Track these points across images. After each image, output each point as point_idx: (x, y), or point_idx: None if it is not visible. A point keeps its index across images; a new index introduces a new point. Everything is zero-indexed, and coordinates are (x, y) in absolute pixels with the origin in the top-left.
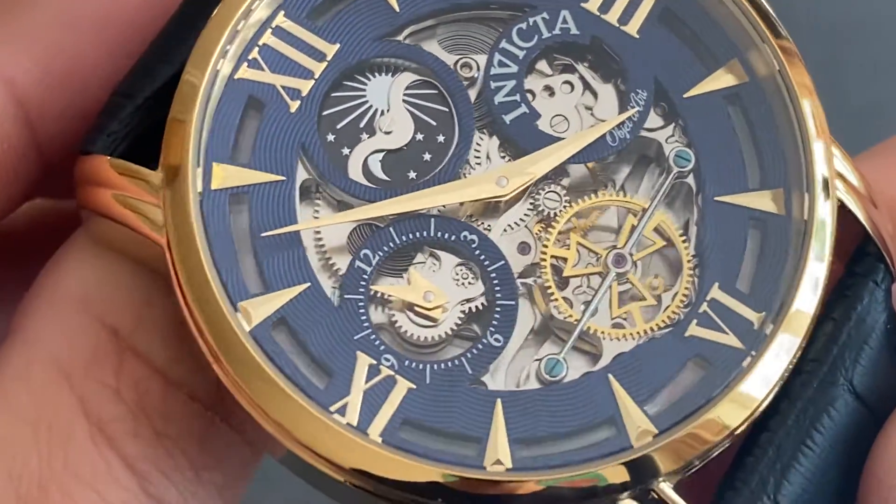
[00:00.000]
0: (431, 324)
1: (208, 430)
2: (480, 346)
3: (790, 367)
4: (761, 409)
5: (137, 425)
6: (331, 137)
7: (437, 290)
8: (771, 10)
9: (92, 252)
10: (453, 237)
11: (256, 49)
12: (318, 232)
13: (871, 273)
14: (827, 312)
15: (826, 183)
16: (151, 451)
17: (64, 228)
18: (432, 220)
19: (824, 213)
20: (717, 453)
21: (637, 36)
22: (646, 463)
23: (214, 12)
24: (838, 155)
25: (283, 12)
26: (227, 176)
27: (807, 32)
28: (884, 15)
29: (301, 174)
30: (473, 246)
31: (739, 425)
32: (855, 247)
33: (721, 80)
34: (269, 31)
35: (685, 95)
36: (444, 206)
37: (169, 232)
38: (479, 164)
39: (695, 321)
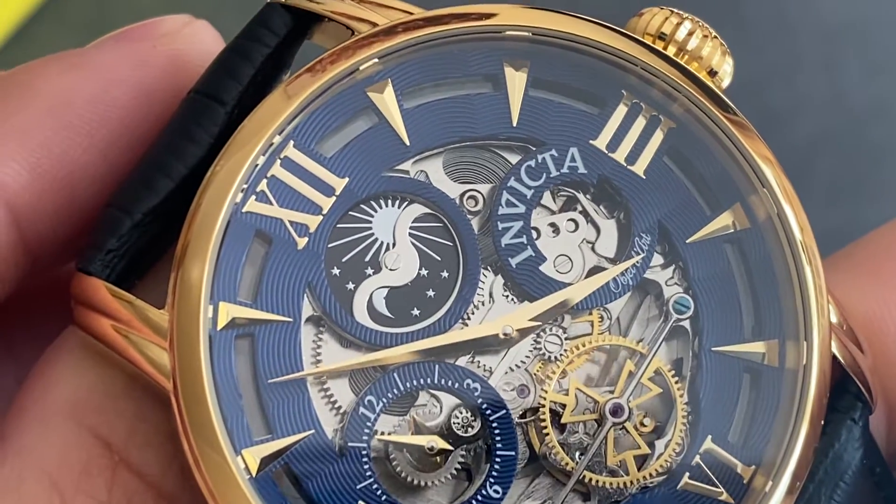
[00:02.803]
0: (430, 470)
1: None
2: (479, 498)
3: None
4: None
5: None
6: (336, 271)
7: (439, 440)
8: (769, 152)
9: (83, 359)
10: (456, 385)
11: (265, 181)
12: (323, 377)
13: (850, 410)
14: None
15: (824, 335)
16: None
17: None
18: (437, 366)
19: (820, 368)
20: None
21: (644, 176)
22: None
23: (231, 141)
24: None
25: (292, 142)
26: (232, 316)
27: (806, 33)
28: (883, 15)
29: (307, 310)
30: (476, 394)
31: None
32: (834, 382)
33: (723, 223)
34: (279, 161)
35: (688, 240)
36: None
37: (177, 378)
38: (482, 302)
39: (687, 474)
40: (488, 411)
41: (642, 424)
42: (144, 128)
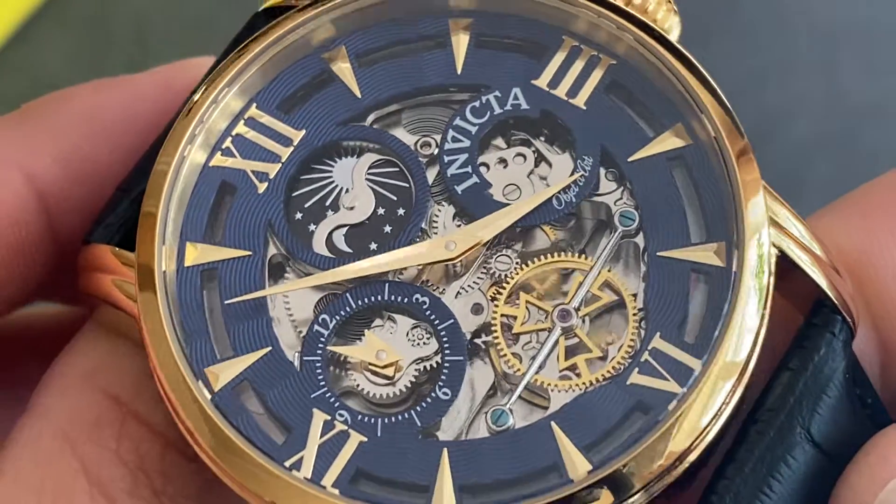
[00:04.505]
0: (387, 382)
1: (206, 489)
2: (429, 400)
3: (723, 412)
4: (694, 449)
5: (136, 485)
6: (299, 216)
7: (389, 348)
8: (710, 79)
9: (98, 335)
10: (406, 300)
11: (230, 139)
12: (287, 305)
13: (829, 324)
14: (784, 363)
15: (760, 235)
16: None
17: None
18: (386, 284)
19: (753, 264)
20: (660, 488)
21: (584, 107)
22: (587, 499)
23: (186, 106)
24: (793, 221)
25: (255, 104)
26: (199, 254)
27: (805, 33)
28: (881, 16)
29: (271, 250)
30: (425, 307)
31: (676, 457)
32: (814, 300)
33: (666, 143)
34: (242, 121)
35: (629, 159)
36: (401, 272)
37: (139, 306)
38: (436, 232)
39: (636, 369)
40: (437, 321)
41: (607, 343)
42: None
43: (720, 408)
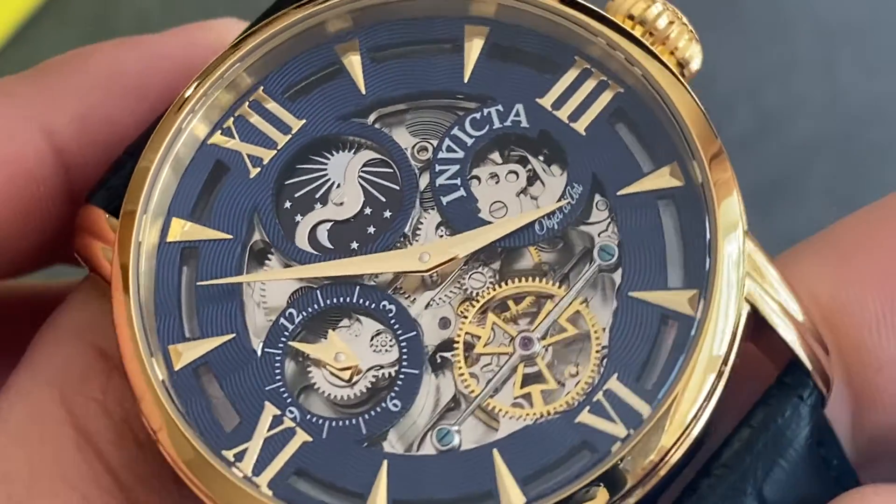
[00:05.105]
0: (345, 384)
1: None
2: (378, 410)
3: (663, 460)
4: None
5: (121, 437)
6: (287, 204)
7: (348, 351)
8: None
9: (91, 295)
10: (373, 305)
11: (232, 119)
12: (263, 291)
13: (798, 387)
14: (747, 419)
15: (730, 290)
16: (133, 460)
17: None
18: (357, 287)
19: (717, 319)
20: None
21: (584, 133)
22: None
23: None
24: (773, 274)
25: (262, 87)
26: (183, 231)
27: (805, 33)
28: (881, 16)
29: (255, 236)
30: (390, 315)
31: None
32: (789, 358)
33: (659, 181)
34: (247, 103)
35: (619, 192)
36: (376, 275)
37: (113, 278)
38: (418, 239)
39: (587, 408)
40: (400, 331)
41: (570, 375)
42: None
43: (664, 457)
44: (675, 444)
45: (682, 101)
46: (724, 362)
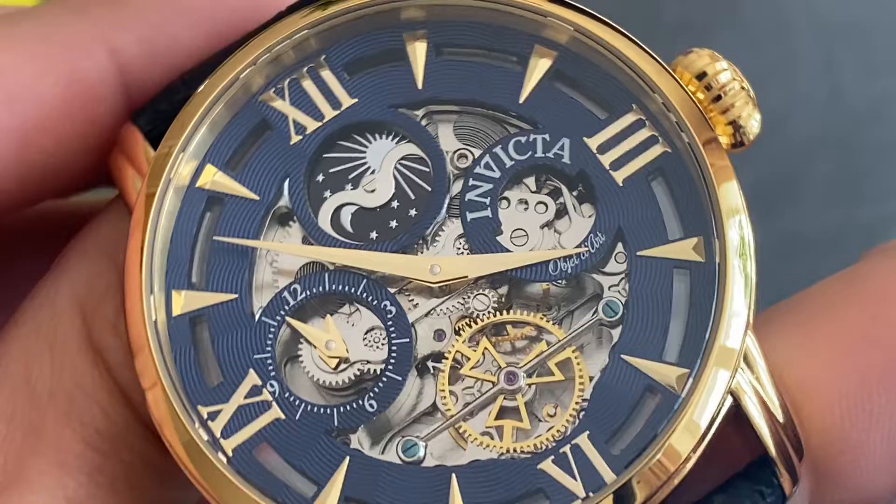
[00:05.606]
0: (330, 370)
1: None
2: (355, 406)
3: None
4: None
5: (130, 358)
6: (320, 177)
7: (340, 341)
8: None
9: (120, 215)
10: (375, 302)
11: (288, 80)
12: (277, 254)
13: (763, 482)
14: (708, 499)
15: (722, 381)
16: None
17: None
18: (365, 280)
19: (703, 402)
20: None
21: (621, 184)
22: None
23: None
24: (764, 370)
25: (324, 56)
26: (213, 179)
27: (805, 32)
28: (882, 15)
29: (281, 201)
30: (389, 316)
31: None
32: (760, 454)
33: (681, 251)
34: (306, 69)
35: (639, 252)
36: (385, 272)
37: (135, 211)
38: (436, 244)
39: (552, 458)
40: (394, 334)
41: (548, 415)
42: (248, 27)
43: None
44: None
45: (721, 174)
46: (695, 448)
